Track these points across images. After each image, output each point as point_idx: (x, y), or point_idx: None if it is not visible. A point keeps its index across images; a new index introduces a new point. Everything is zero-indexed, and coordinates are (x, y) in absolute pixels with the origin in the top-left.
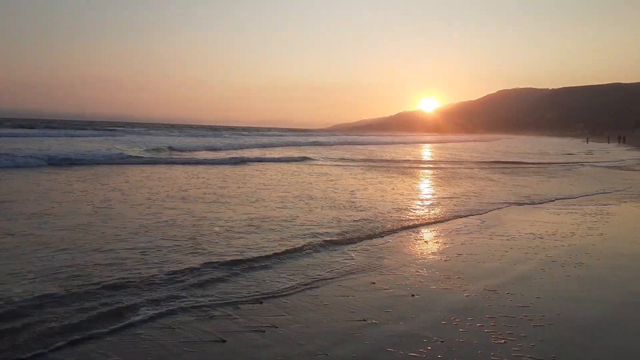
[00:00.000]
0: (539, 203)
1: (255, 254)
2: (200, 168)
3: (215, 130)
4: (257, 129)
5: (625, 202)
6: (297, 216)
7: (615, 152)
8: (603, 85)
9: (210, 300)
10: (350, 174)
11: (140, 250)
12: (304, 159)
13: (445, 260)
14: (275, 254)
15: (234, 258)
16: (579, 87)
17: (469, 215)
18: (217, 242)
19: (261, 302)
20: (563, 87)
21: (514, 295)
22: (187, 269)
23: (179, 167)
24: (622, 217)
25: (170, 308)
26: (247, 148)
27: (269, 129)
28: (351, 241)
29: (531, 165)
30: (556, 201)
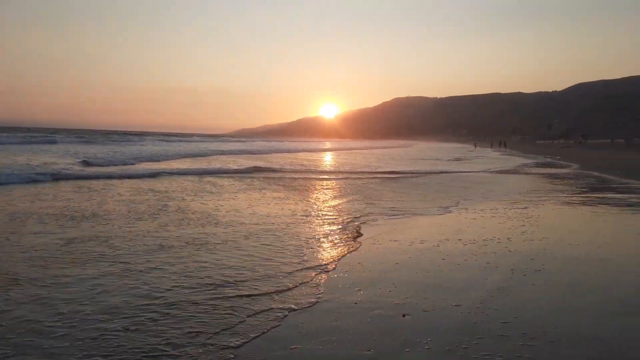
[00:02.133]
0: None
1: None
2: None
3: (104, 135)
4: (162, 134)
5: (543, 204)
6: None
7: (502, 159)
8: (484, 94)
9: None
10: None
11: None
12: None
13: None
14: None
15: None
16: (463, 96)
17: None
18: None
19: None
20: (449, 96)
21: (499, 310)
22: None
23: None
24: (550, 220)
25: None
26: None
27: (170, 134)
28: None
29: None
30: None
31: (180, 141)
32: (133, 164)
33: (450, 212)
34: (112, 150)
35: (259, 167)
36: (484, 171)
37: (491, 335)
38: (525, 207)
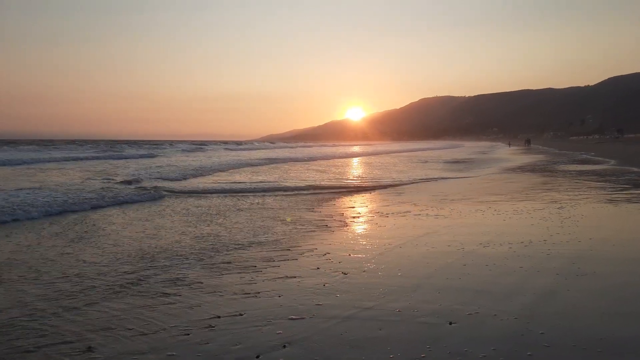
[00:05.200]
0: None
1: None
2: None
3: (155, 145)
4: (199, 142)
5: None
6: None
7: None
8: (513, 91)
9: None
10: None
11: None
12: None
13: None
14: None
15: None
16: (492, 94)
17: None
18: None
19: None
20: (478, 94)
21: (548, 317)
22: None
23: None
24: (592, 219)
25: None
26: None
27: (206, 142)
28: None
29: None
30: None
31: (238, 149)
32: (210, 174)
33: (482, 212)
34: (182, 161)
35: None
36: (512, 169)
37: (542, 344)
38: (561, 207)
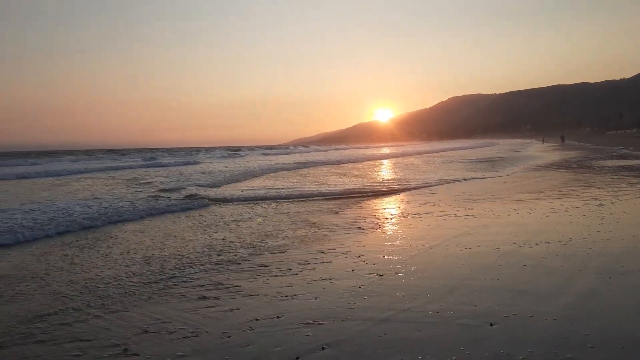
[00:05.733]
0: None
1: None
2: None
3: (192, 152)
4: (232, 148)
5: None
6: None
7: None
8: (546, 87)
9: None
10: None
11: None
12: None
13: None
14: None
15: None
16: (524, 90)
17: None
18: None
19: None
20: (509, 92)
21: (592, 318)
22: None
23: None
24: (636, 216)
25: None
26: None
27: (239, 148)
28: None
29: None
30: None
31: (273, 154)
32: (251, 179)
33: (517, 211)
34: (223, 167)
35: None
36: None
37: (586, 346)
38: (601, 204)
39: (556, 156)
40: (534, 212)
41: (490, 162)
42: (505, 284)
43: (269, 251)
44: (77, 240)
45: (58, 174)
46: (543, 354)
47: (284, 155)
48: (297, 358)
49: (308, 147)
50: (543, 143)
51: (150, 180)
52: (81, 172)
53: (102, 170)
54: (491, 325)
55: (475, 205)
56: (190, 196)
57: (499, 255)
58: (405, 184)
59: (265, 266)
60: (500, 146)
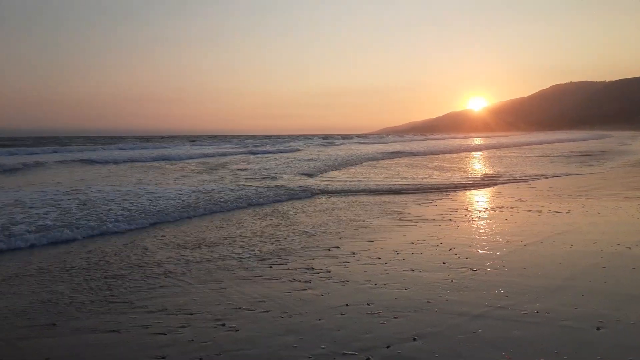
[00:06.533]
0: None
1: None
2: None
3: (289, 139)
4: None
5: None
6: None
7: None
8: None
9: None
10: None
11: None
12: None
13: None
14: None
15: None
16: (637, 77)
17: None
18: None
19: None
20: (621, 79)
21: None
22: None
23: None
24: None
25: None
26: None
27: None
28: None
29: None
30: None
31: (369, 142)
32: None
33: (626, 209)
34: (324, 155)
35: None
36: None
37: None
38: None
39: None
40: None
41: (591, 156)
42: (614, 287)
43: (360, 240)
44: (215, 221)
45: (174, 159)
46: None
47: (379, 145)
48: (388, 346)
49: (402, 136)
50: None
51: (266, 168)
52: (192, 158)
53: (211, 155)
54: (598, 329)
55: (575, 201)
56: (300, 186)
57: (603, 256)
58: (500, 177)
59: (354, 254)
60: (612, 139)
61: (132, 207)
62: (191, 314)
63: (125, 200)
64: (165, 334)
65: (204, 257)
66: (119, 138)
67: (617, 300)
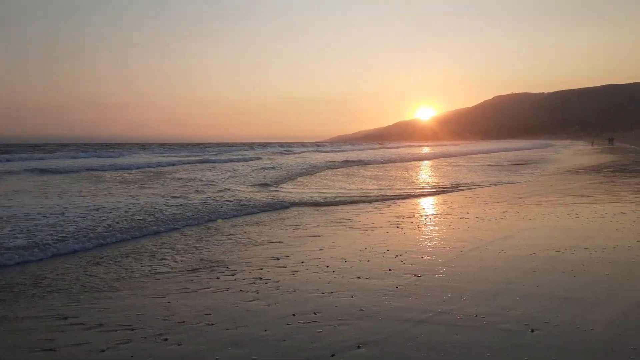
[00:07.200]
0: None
1: None
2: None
3: (243, 147)
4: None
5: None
6: None
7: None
8: (597, 87)
9: None
10: None
11: None
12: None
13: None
14: None
15: None
16: (574, 90)
17: None
18: None
19: None
20: (557, 91)
21: None
22: None
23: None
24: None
25: None
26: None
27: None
28: None
29: None
30: None
31: (327, 151)
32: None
33: (562, 215)
34: (287, 164)
35: None
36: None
37: (631, 357)
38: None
39: (601, 159)
40: (579, 217)
41: (530, 164)
42: (547, 290)
43: (309, 248)
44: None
45: (130, 167)
46: None
47: (337, 153)
48: (333, 355)
49: (360, 144)
50: (592, 145)
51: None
52: (152, 166)
53: (162, 164)
54: (532, 331)
55: (512, 207)
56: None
57: (536, 260)
58: (445, 185)
59: (303, 262)
60: (548, 148)
61: (69, 224)
62: (132, 329)
63: (54, 215)
64: (103, 351)
65: (148, 271)
66: (63, 145)
67: (550, 303)
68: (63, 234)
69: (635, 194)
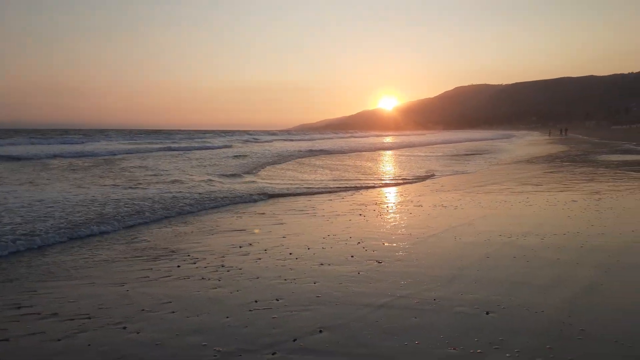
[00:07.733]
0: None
1: None
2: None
3: (205, 135)
4: (228, 132)
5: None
6: None
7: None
8: (553, 79)
9: None
10: None
11: None
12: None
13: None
14: None
15: None
16: (531, 81)
17: None
18: None
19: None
20: (516, 82)
21: (589, 312)
22: None
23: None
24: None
25: None
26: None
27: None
28: None
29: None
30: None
31: (295, 139)
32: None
33: (518, 203)
34: (258, 153)
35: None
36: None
37: (581, 338)
38: (600, 199)
39: (555, 149)
40: (534, 205)
41: (487, 154)
42: (501, 275)
43: (273, 236)
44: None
45: (101, 154)
46: (538, 344)
47: (305, 142)
48: (295, 340)
49: (327, 132)
50: (550, 135)
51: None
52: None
53: (149, 151)
54: (487, 313)
55: (470, 195)
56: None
57: (490, 246)
58: (407, 175)
59: (267, 250)
60: (510, 138)
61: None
62: (89, 318)
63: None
64: (59, 340)
65: (108, 259)
66: (17, 131)
67: (503, 287)
68: (13, 225)
69: (586, 183)
